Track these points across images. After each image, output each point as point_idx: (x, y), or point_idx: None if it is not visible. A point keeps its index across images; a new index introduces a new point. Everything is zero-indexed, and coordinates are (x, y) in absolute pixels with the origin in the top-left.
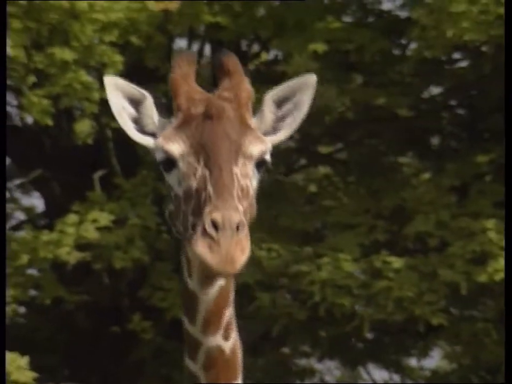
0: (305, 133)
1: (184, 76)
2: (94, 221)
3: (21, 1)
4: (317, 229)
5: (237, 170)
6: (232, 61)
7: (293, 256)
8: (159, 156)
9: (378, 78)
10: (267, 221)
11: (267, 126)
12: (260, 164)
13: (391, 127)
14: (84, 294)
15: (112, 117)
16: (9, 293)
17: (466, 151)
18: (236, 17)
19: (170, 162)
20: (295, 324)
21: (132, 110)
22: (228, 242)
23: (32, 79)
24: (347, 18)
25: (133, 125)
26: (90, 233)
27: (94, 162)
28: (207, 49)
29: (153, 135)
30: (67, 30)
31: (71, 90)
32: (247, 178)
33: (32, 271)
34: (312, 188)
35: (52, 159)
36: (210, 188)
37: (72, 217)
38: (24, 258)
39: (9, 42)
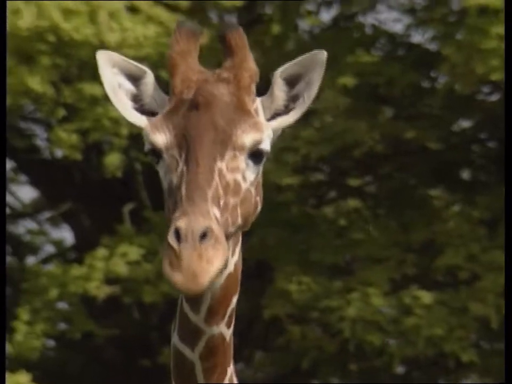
0: (335, 166)
1: (182, 53)
2: (124, 254)
3: (51, 39)
4: (346, 262)
5: (221, 165)
6: (236, 36)
7: (323, 289)
8: (146, 146)
9: (408, 111)
10: (297, 254)
11: (278, 106)
12: (257, 154)
13: (421, 160)
14: (113, 328)
15: (141, 150)
16: (39, 327)
17: (496, 184)
18: (266, 52)
19: (156, 153)
20: (325, 357)
21: (130, 87)
22: (189, 255)
23: (61, 113)
24: (377, 52)
25: (131, 103)
26: (120, 267)
27: (124, 196)
28: None
29: (153, 114)
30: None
31: (100, 125)
32: (236, 172)
33: (62, 305)
34: (342, 221)
35: (82, 192)
36: (183, 188)
37: (101, 251)
38: (54, 292)
39: (37, 79)
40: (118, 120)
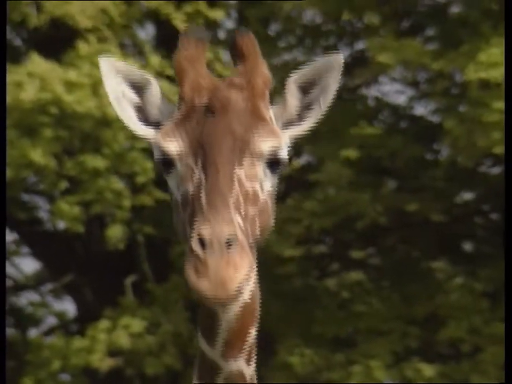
0: (338, 238)
1: (190, 59)
2: (126, 326)
3: (53, 111)
4: (349, 334)
5: (240, 172)
6: (248, 42)
7: (325, 362)
8: (156, 155)
9: (411, 183)
10: (300, 326)
11: (291, 115)
12: (274, 162)
13: (423, 232)
14: None
15: (144, 222)
16: None
17: (498, 256)
18: None
19: (168, 163)
20: None
21: (134, 97)
22: (216, 262)
23: (63, 185)
24: (380, 124)
25: (135, 113)
26: (122, 339)
27: (126, 268)
28: None
29: (158, 124)
30: (99, 138)
31: (102, 198)
32: (255, 180)
33: (65, 377)
34: (345, 293)
35: (84, 264)
36: (203, 196)
37: (104, 323)
38: (56, 364)
39: (40, 151)
40: (121, 193)
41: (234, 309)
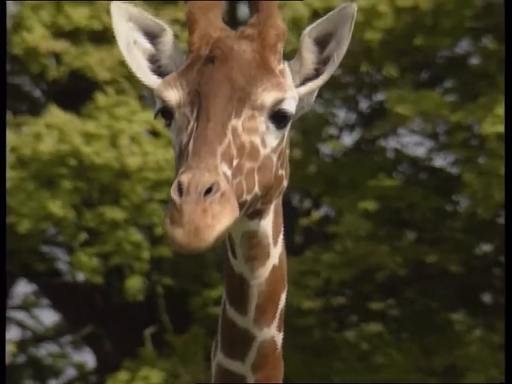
0: (357, 289)
1: (203, 8)
2: (145, 378)
3: (72, 163)
4: None
5: (237, 123)
6: None
7: None
8: (157, 105)
9: (430, 235)
10: (319, 378)
11: (308, 69)
12: (279, 116)
13: (442, 284)
14: None
15: (163, 273)
16: None
17: None
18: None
19: (167, 113)
20: None
21: (147, 45)
22: (191, 210)
23: (83, 236)
24: (399, 176)
25: (147, 63)
26: None
27: (145, 319)
28: None
29: None
30: (117, 189)
31: (121, 249)
32: (254, 134)
33: None
34: (364, 345)
35: (103, 315)
36: (191, 144)
37: (123, 374)
38: None
39: (58, 203)
40: (139, 244)
41: (264, 273)
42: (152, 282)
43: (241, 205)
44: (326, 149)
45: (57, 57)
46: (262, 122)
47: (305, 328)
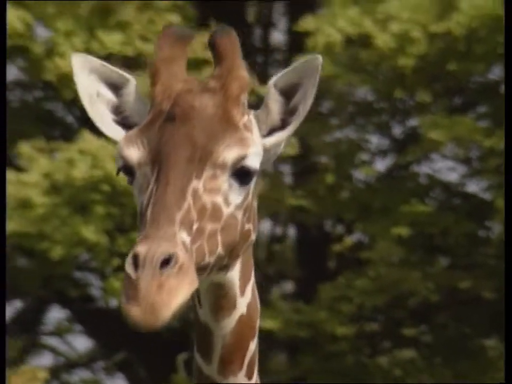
0: (389, 315)
1: (166, 60)
2: None
3: (105, 188)
4: None
5: (198, 185)
6: (227, 42)
7: None
8: (118, 162)
9: (463, 261)
10: None
11: (275, 120)
12: (242, 173)
13: (475, 309)
14: None
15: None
16: None
17: None
18: (320, 201)
19: (129, 171)
20: None
21: (111, 96)
22: (146, 285)
23: (116, 262)
24: (431, 201)
25: (111, 115)
26: None
27: (178, 345)
28: (291, 232)
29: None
30: None
31: None
32: (216, 194)
33: None
34: (397, 371)
35: (136, 341)
36: (149, 209)
37: None
38: None
39: (92, 228)
40: None
41: (230, 324)
42: (186, 308)
43: (203, 268)
44: (359, 174)
45: None
46: (224, 181)
47: (338, 354)
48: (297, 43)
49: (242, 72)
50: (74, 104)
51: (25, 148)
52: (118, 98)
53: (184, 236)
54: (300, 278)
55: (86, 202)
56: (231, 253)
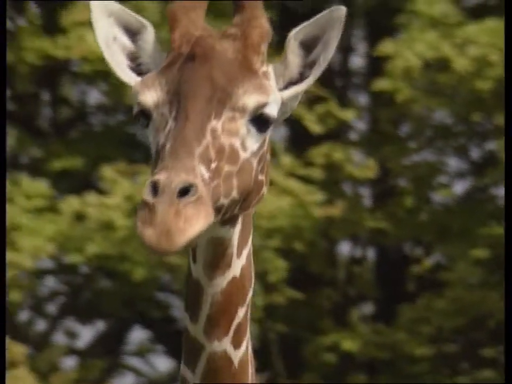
0: (468, 336)
1: (185, 7)
2: None
3: None
4: None
5: (216, 125)
6: None
7: None
8: (134, 108)
9: None
10: None
11: (293, 73)
12: (261, 120)
13: None
14: None
15: (276, 320)
16: None
17: None
18: (398, 223)
19: (145, 115)
20: None
21: (127, 42)
22: (163, 211)
23: None
24: None
25: (126, 61)
26: None
27: (259, 365)
28: (370, 254)
29: None
30: None
31: None
32: (234, 136)
33: None
34: None
35: None
36: (168, 144)
37: None
38: None
39: None
40: (254, 293)
41: (222, 284)
42: (265, 329)
43: (218, 210)
44: (437, 197)
45: None
46: (242, 125)
47: (417, 375)
48: (376, 67)
49: (263, 21)
50: None
51: (107, 171)
52: (134, 44)
53: (203, 170)
54: (379, 300)
55: None
56: (244, 201)
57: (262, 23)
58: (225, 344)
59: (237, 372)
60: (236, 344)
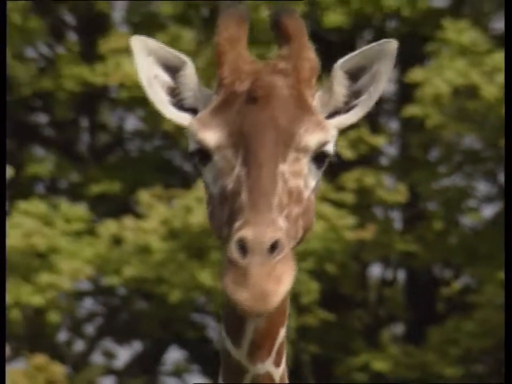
0: (496, 357)
1: (231, 39)
2: None
3: None
4: None
5: (284, 168)
6: (294, 23)
7: None
8: (191, 145)
9: None
10: None
11: (338, 102)
12: (320, 157)
13: None
14: None
15: (308, 341)
16: None
17: None
18: (428, 246)
19: (205, 154)
20: None
21: (167, 79)
22: (257, 272)
23: None
24: None
25: (168, 98)
26: None
27: None
28: (400, 276)
29: (194, 110)
30: None
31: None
32: (299, 177)
33: None
34: None
35: None
36: (244, 194)
37: None
38: None
39: (208, 273)
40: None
41: None
42: (298, 350)
43: None
44: (466, 220)
45: None
46: (305, 165)
47: None
48: (407, 93)
49: (312, 54)
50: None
51: (144, 196)
52: (175, 81)
53: (281, 222)
54: (409, 321)
55: (203, 248)
56: (303, 237)
57: (310, 55)
58: (268, 366)
59: None
60: (277, 363)
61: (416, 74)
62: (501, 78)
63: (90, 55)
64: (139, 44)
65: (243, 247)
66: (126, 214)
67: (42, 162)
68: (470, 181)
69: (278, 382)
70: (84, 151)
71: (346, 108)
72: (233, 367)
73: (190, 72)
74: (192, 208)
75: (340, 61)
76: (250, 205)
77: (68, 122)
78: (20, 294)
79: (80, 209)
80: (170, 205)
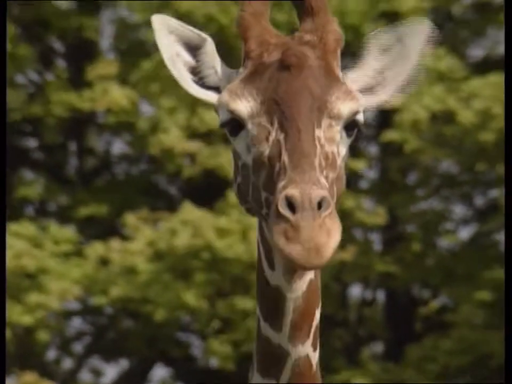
0: (473, 374)
1: (256, 14)
2: None
3: (205, 256)
4: None
5: (320, 133)
6: None
7: None
8: (223, 116)
9: None
10: None
11: (368, 79)
12: (350, 126)
13: None
14: None
15: None
16: None
17: None
18: (407, 267)
19: (236, 124)
20: None
21: (188, 58)
22: (309, 226)
23: (216, 324)
24: None
25: (190, 76)
26: None
27: None
28: (380, 296)
29: (215, 88)
30: (248, 280)
31: (252, 337)
32: (333, 143)
33: None
34: None
35: None
36: (285, 156)
37: None
38: None
39: (193, 293)
40: None
41: (302, 287)
42: None
43: None
44: (443, 242)
45: (192, 157)
46: (337, 132)
47: None
48: (385, 119)
49: (336, 26)
50: (177, 177)
51: (131, 218)
52: (196, 59)
53: (324, 181)
54: (388, 339)
55: (188, 269)
56: (336, 204)
57: (335, 28)
58: (307, 348)
59: (314, 374)
60: (314, 346)
61: (394, 100)
62: (476, 103)
63: (78, 81)
64: (160, 22)
65: (291, 204)
66: (113, 236)
67: (31, 185)
68: (447, 204)
69: (314, 367)
70: (72, 175)
71: (371, 87)
72: (275, 354)
73: (210, 49)
74: (177, 230)
75: (372, 35)
76: (293, 166)
77: (56, 146)
78: (10, 313)
79: (69, 231)
80: (156, 227)
